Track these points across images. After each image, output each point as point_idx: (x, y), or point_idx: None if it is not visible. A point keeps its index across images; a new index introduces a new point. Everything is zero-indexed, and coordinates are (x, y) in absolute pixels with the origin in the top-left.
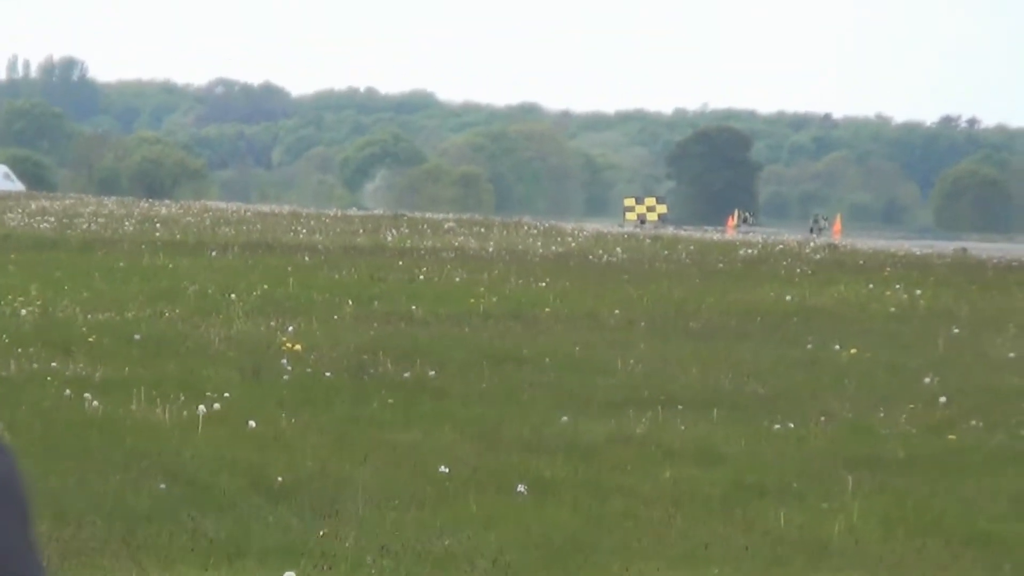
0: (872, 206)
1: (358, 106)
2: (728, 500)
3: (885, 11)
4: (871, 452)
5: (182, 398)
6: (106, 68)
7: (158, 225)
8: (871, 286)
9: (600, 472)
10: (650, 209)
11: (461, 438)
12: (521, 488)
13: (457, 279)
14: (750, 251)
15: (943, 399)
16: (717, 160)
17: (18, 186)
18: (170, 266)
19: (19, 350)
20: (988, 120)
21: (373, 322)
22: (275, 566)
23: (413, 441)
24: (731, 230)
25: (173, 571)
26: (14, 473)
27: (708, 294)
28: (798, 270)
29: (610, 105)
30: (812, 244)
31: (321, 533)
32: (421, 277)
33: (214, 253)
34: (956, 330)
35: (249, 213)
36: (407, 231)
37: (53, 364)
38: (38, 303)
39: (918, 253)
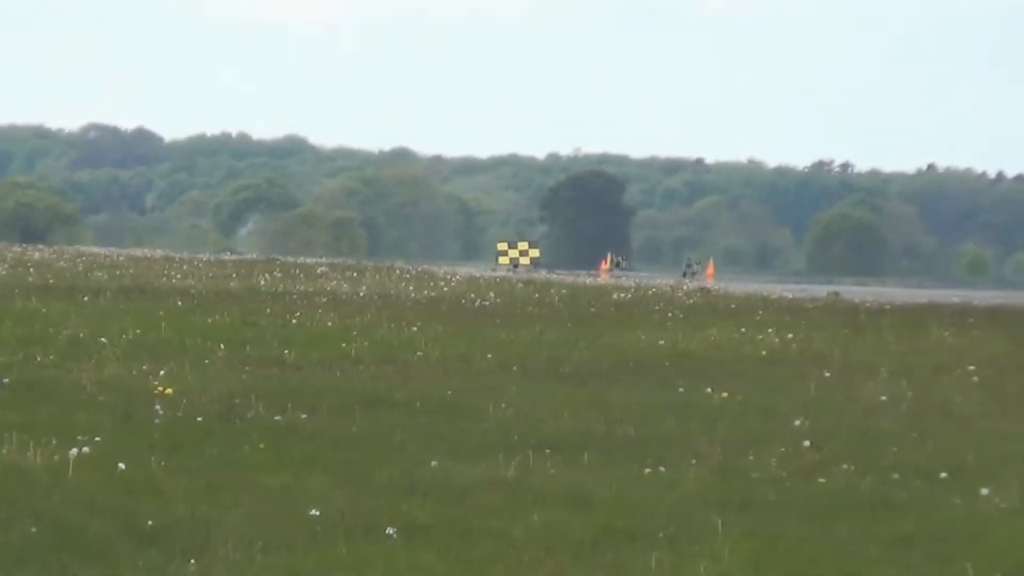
0: (745, 250)
1: (231, 151)
2: (599, 544)
3: (755, 56)
4: (741, 495)
5: (53, 442)
6: None
7: (31, 270)
8: (743, 330)
9: (470, 516)
10: (523, 253)
11: (332, 482)
12: (391, 531)
13: (329, 323)
14: (623, 295)
15: (814, 443)
16: (590, 204)
17: None
18: (43, 310)
19: None
20: (861, 165)
21: (245, 366)
22: None
23: (284, 484)
24: (604, 274)
25: None
26: None
27: (580, 338)
28: (670, 314)
29: (483, 150)
30: (685, 288)
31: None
32: (294, 321)
33: (87, 298)
34: (827, 374)
35: (122, 258)
36: (280, 275)
37: None
38: None
39: (790, 297)
